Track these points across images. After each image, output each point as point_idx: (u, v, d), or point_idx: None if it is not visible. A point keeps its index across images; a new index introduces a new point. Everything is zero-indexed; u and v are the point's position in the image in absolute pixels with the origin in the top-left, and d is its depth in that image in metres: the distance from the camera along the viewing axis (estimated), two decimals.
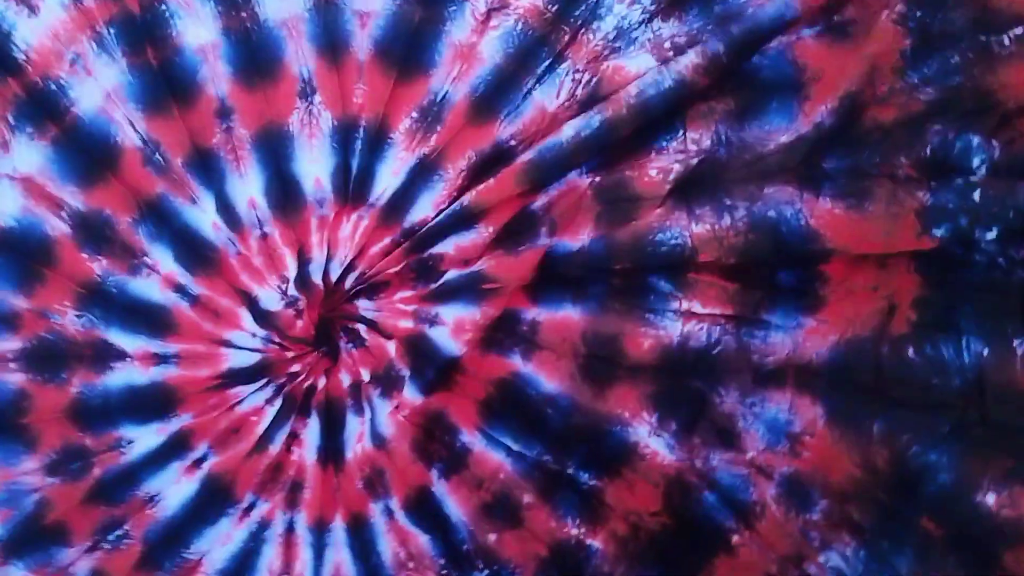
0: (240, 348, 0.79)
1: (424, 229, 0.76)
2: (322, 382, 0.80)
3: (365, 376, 0.79)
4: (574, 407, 0.75)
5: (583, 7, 0.73)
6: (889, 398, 0.68)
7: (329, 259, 0.79)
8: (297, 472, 0.80)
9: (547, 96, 0.74)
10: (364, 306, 0.79)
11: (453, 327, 0.76)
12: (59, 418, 0.78)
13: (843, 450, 0.68)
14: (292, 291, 0.78)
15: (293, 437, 0.79)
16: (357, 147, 0.78)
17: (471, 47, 0.75)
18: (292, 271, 0.79)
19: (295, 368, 0.79)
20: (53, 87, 0.76)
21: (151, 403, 0.81)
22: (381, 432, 0.77)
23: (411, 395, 0.79)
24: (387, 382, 0.80)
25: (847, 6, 0.66)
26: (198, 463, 0.79)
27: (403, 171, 0.76)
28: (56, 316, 0.79)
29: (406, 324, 0.78)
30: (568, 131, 0.72)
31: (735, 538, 0.71)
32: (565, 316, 0.75)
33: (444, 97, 0.76)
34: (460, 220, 0.76)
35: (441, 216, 0.76)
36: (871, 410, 0.66)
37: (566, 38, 0.74)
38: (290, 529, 0.80)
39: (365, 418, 0.80)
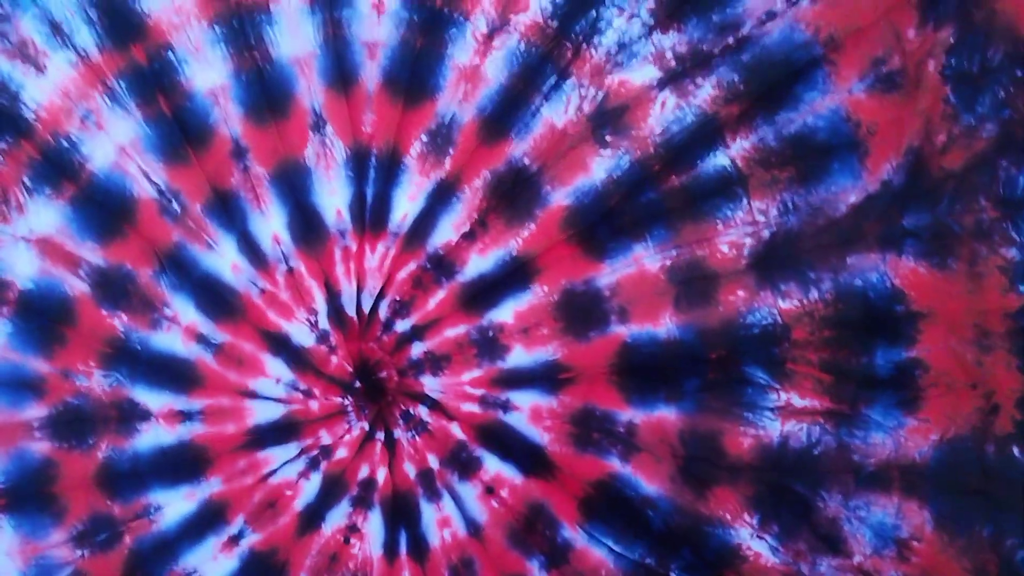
0: (265, 399, 0.90)
1: (475, 279, 0.87)
2: (382, 474, 0.90)
3: (433, 462, 0.90)
4: (675, 509, 0.84)
5: (583, 22, 0.84)
6: (996, 500, 0.72)
7: (360, 291, 0.90)
8: (359, 566, 0.89)
9: (555, 112, 0.86)
10: (429, 384, 0.90)
11: (530, 414, 0.88)
12: (87, 485, 0.88)
13: (953, 555, 0.74)
14: (323, 324, 0.91)
15: (352, 530, 0.90)
16: (371, 175, 0.89)
17: (475, 68, 0.87)
18: (320, 303, 0.91)
19: (324, 437, 0.90)
20: (65, 144, 0.87)
21: (180, 464, 0.89)
22: (473, 518, 0.89)
23: (509, 475, 0.88)
24: (462, 465, 0.89)
25: (893, 57, 0.75)
26: (235, 540, 0.89)
27: (420, 196, 0.89)
28: (81, 378, 0.89)
29: (471, 408, 0.89)
30: (599, 172, 0.84)
31: None
32: (661, 417, 0.84)
33: (452, 119, 0.89)
34: (512, 275, 0.87)
35: (492, 268, 0.87)
36: (979, 513, 0.73)
37: (569, 54, 0.85)
38: None
39: (443, 504, 0.89)
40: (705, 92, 0.81)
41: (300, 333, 0.91)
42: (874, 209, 0.77)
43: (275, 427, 0.90)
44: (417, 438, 0.90)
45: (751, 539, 0.81)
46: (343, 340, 0.91)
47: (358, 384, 0.91)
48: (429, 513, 0.89)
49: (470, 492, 0.89)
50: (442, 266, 0.89)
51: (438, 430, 0.90)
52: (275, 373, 0.90)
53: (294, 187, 0.89)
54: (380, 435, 0.91)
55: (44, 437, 0.88)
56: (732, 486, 0.81)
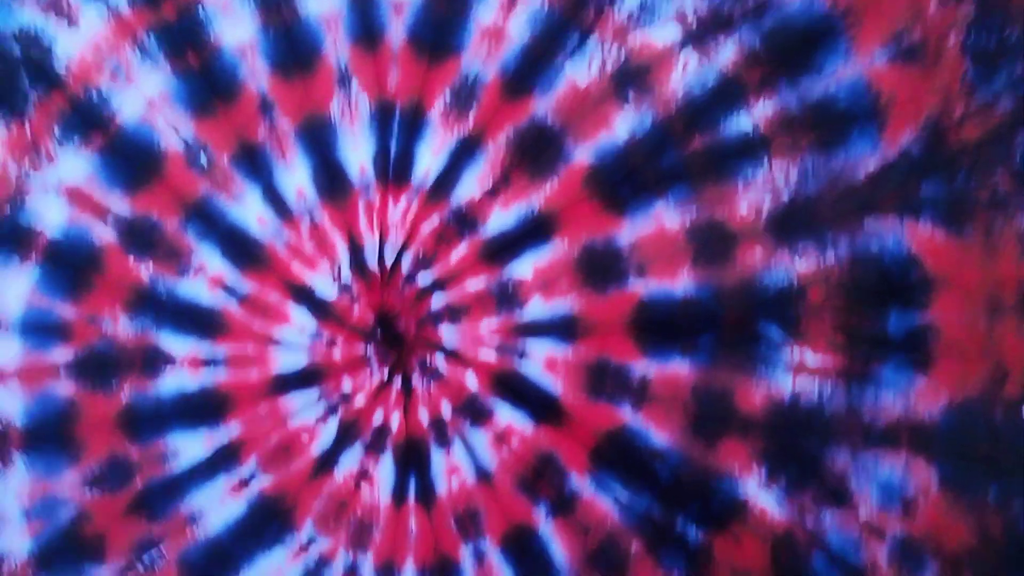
0: (288, 347, 0.92)
1: (497, 235, 0.89)
2: (396, 420, 0.92)
3: (446, 410, 0.92)
4: (683, 461, 0.86)
5: None
6: (1003, 464, 0.74)
7: (382, 243, 0.92)
8: (366, 512, 0.91)
9: (578, 71, 0.87)
10: (446, 332, 0.92)
11: (544, 363, 0.89)
12: (108, 428, 0.90)
13: (957, 516, 0.75)
14: (346, 276, 0.93)
15: (363, 475, 0.92)
16: (395, 130, 0.91)
17: (498, 28, 0.89)
18: (343, 256, 0.93)
19: (346, 384, 0.92)
20: (95, 97, 0.89)
21: (201, 409, 0.91)
22: (483, 465, 0.91)
23: (520, 424, 0.90)
24: (474, 413, 0.91)
25: (914, 29, 0.77)
26: (246, 482, 0.91)
27: (443, 151, 0.91)
28: (107, 322, 0.91)
29: (488, 356, 0.91)
30: (622, 131, 0.86)
31: None
32: (675, 370, 0.86)
33: (476, 78, 0.90)
34: (533, 230, 0.88)
35: (514, 223, 0.89)
36: (986, 476, 0.75)
37: (592, 14, 0.86)
38: (352, 570, 0.90)
39: (454, 452, 0.91)
40: (727, 54, 0.82)
41: (323, 284, 0.92)
42: (892, 178, 0.78)
43: (298, 375, 0.92)
44: (432, 385, 0.92)
45: (758, 492, 0.82)
46: (365, 291, 0.92)
47: (379, 334, 0.93)
48: (439, 460, 0.91)
49: (481, 440, 0.90)
50: (465, 221, 0.90)
51: (452, 379, 0.92)
52: (299, 322, 0.92)
53: (319, 141, 0.91)
54: (397, 381, 0.93)
55: (69, 379, 0.90)
56: (742, 440, 0.83)
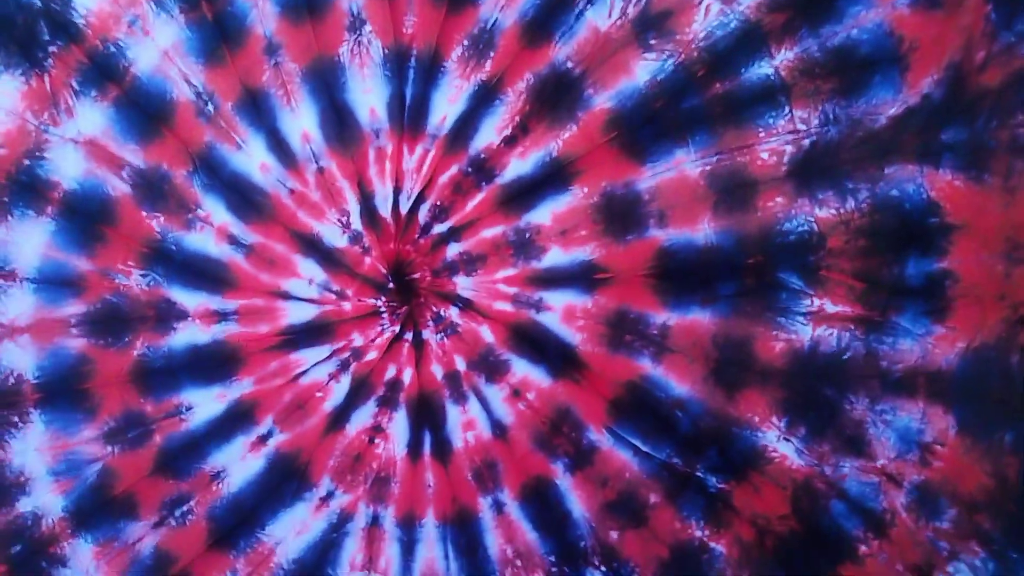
0: (298, 300, 0.91)
1: (514, 181, 0.88)
2: (408, 375, 0.92)
3: (460, 364, 0.91)
4: (704, 410, 0.86)
5: None
6: (1019, 407, 0.73)
7: (397, 193, 0.91)
8: (383, 467, 0.92)
9: (599, 16, 0.86)
10: (462, 283, 0.91)
11: (563, 314, 0.89)
12: (121, 383, 0.90)
13: (974, 460, 0.75)
14: (356, 225, 0.92)
15: (377, 430, 0.92)
16: (410, 76, 0.90)
17: None
18: (352, 204, 0.92)
19: (356, 339, 0.92)
20: (112, 49, 0.88)
21: (213, 364, 0.91)
22: (499, 420, 0.90)
23: (537, 378, 0.90)
24: (489, 368, 0.91)
25: None
26: (263, 439, 0.91)
27: (461, 98, 0.90)
28: (120, 276, 0.90)
29: (504, 307, 0.90)
30: (643, 76, 0.84)
31: (862, 548, 0.80)
32: (695, 320, 0.86)
33: (494, 24, 0.89)
34: (552, 176, 0.87)
35: (531, 170, 0.87)
36: (1002, 421, 0.74)
37: None
38: (375, 523, 0.91)
39: (469, 407, 0.91)
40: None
41: (332, 234, 0.92)
42: (913, 123, 0.78)
43: (308, 328, 0.92)
44: (446, 340, 0.92)
45: (777, 441, 0.82)
46: (377, 241, 0.92)
47: (392, 285, 0.92)
48: (454, 415, 0.91)
49: (496, 395, 0.90)
50: (483, 170, 0.89)
51: (467, 332, 0.92)
52: (307, 274, 0.91)
53: (327, 84, 0.89)
54: (408, 335, 0.93)
55: (81, 334, 0.89)
56: (762, 389, 0.83)
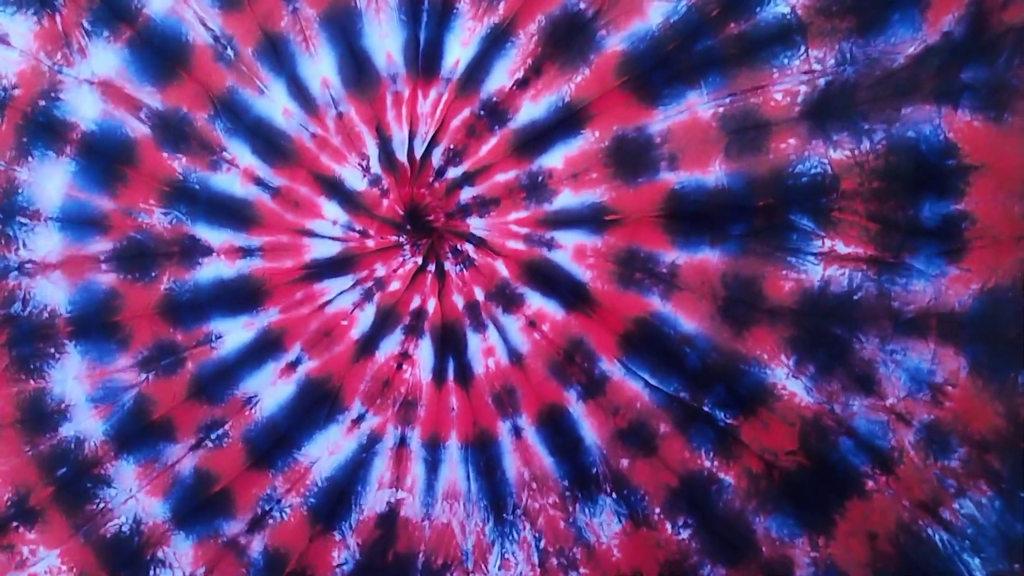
0: (322, 237, 0.94)
1: (527, 125, 0.88)
2: (432, 305, 0.94)
3: (479, 295, 0.94)
4: (712, 347, 0.87)
5: None
6: None
7: (412, 136, 0.92)
8: (410, 391, 0.94)
9: None
10: (475, 224, 0.93)
11: (573, 252, 0.90)
12: (150, 315, 0.92)
13: (986, 400, 0.75)
14: (375, 168, 0.94)
15: (404, 356, 0.94)
16: (424, 20, 0.89)
17: None
18: (371, 148, 0.93)
19: (379, 269, 0.94)
20: None
21: (239, 296, 0.93)
22: (516, 348, 0.93)
23: (551, 310, 0.91)
24: (505, 299, 0.93)
25: None
26: (293, 366, 0.94)
27: (473, 41, 0.89)
28: (143, 215, 0.92)
29: (516, 245, 0.92)
30: (656, 17, 0.83)
31: (869, 483, 0.81)
32: (704, 258, 0.86)
33: None
34: (564, 121, 0.87)
35: (544, 114, 0.88)
36: (1016, 362, 0.74)
37: None
38: (402, 444, 0.94)
39: (488, 335, 0.93)
40: None
41: (353, 177, 0.93)
42: (932, 61, 0.76)
43: (332, 262, 0.94)
44: (465, 272, 0.94)
45: (786, 379, 0.83)
46: (395, 184, 0.93)
47: (409, 226, 0.94)
48: (475, 342, 0.94)
49: (513, 324, 0.92)
50: (495, 113, 0.89)
51: (484, 266, 0.93)
52: (331, 215, 0.94)
53: (344, 30, 0.90)
54: (431, 267, 0.95)
55: (110, 269, 0.93)
56: (771, 327, 0.83)
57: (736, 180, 0.83)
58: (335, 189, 0.93)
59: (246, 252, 0.94)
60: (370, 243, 0.95)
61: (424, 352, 0.95)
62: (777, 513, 0.84)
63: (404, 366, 0.95)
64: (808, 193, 0.81)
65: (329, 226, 0.94)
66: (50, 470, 0.91)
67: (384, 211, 0.94)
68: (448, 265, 0.95)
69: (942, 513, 0.78)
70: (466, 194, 0.93)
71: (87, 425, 0.92)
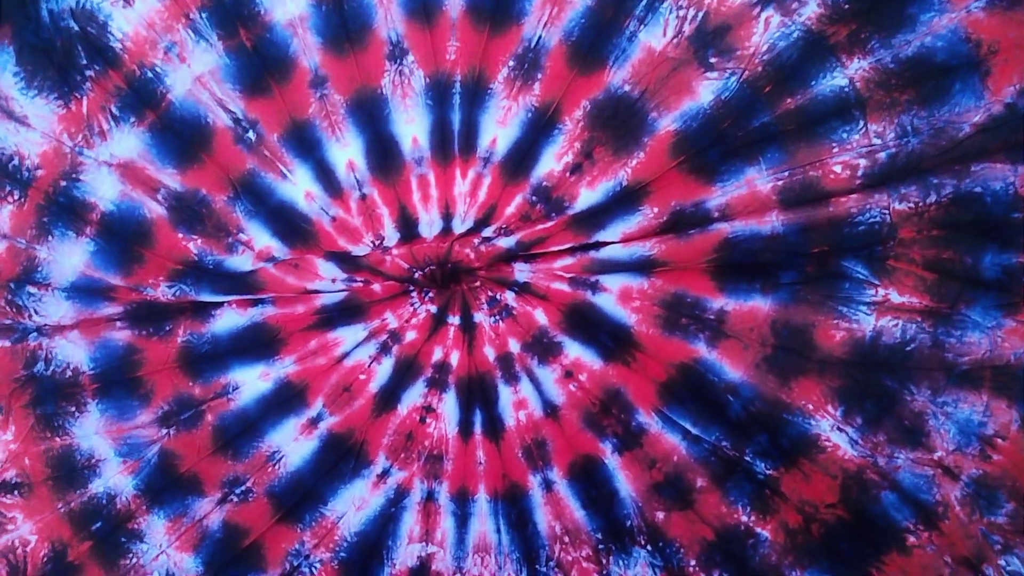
0: (325, 292, 0.93)
1: (585, 210, 0.87)
2: (456, 357, 0.93)
3: (514, 346, 0.92)
4: (756, 395, 0.85)
5: None
6: None
7: (449, 217, 0.91)
8: (435, 444, 0.93)
9: (653, 36, 0.84)
10: (519, 268, 0.92)
11: (619, 294, 0.88)
12: (171, 368, 0.92)
13: None
14: (389, 244, 0.93)
15: (428, 410, 0.93)
16: (456, 101, 0.88)
17: None
18: (388, 229, 0.92)
19: (390, 319, 0.93)
20: (149, 75, 0.88)
21: (255, 343, 0.92)
22: (551, 400, 0.91)
23: (589, 359, 0.90)
24: (542, 349, 0.91)
25: None
26: (315, 422, 0.93)
27: (512, 122, 0.88)
28: (148, 289, 0.91)
29: (561, 287, 0.90)
30: (706, 95, 0.82)
31: (911, 539, 0.80)
32: (754, 306, 0.84)
33: (538, 43, 0.87)
34: (621, 201, 0.86)
35: (602, 199, 0.86)
36: None
37: None
38: (430, 498, 0.93)
39: (521, 387, 0.92)
40: (809, 10, 0.78)
41: (359, 251, 0.92)
42: (1000, 130, 0.75)
43: (341, 306, 0.93)
44: (501, 323, 0.92)
45: (831, 431, 0.81)
46: (403, 247, 0.92)
47: (417, 275, 0.93)
48: (506, 395, 0.91)
49: (549, 376, 0.90)
50: (550, 200, 0.87)
51: (522, 315, 0.91)
52: (328, 274, 0.92)
53: (372, 116, 0.88)
54: (453, 319, 0.93)
55: (124, 327, 0.91)
56: (819, 377, 0.81)
57: (792, 229, 0.81)
58: (335, 255, 0.92)
59: (257, 301, 0.93)
60: (376, 287, 0.93)
61: (449, 405, 0.93)
62: (813, 567, 0.83)
63: (428, 419, 0.93)
64: (864, 241, 0.79)
65: (328, 284, 0.93)
66: (84, 525, 0.90)
67: (387, 267, 0.93)
68: (481, 316, 0.93)
69: (985, 570, 0.77)
70: (519, 269, 0.91)
71: (116, 480, 0.91)
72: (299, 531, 0.92)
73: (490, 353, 0.93)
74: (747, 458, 0.84)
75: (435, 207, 0.90)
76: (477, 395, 0.92)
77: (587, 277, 0.89)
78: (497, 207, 0.89)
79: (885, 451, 0.80)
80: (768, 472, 0.84)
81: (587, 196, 0.86)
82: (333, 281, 0.93)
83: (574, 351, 0.90)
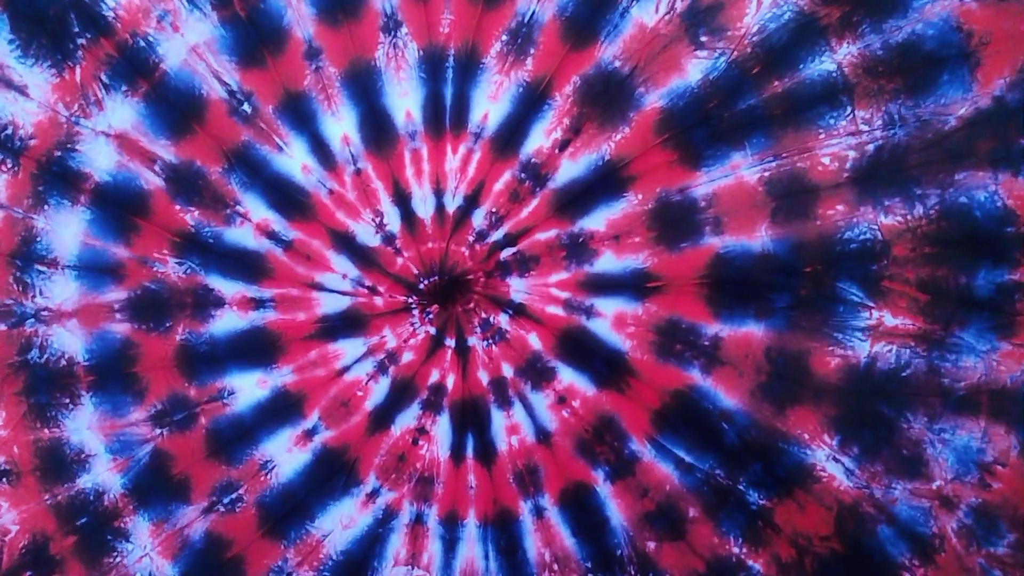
0: (331, 292, 0.92)
1: (567, 183, 0.87)
2: (452, 380, 0.92)
3: (507, 371, 0.92)
4: (752, 424, 0.84)
5: None
6: None
7: (440, 193, 0.91)
8: (426, 467, 0.92)
9: (645, 12, 0.85)
10: (515, 285, 0.91)
11: (613, 320, 0.88)
12: (167, 366, 0.92)
13: None
14: (391, 226, 0.92)
15: (421, 432, 0.93)
16: (448, 75, 0.89)
17: None
18: (386, 205, 0.92)
19: (389, 337, 0.92)
20: (142, 44, 0.89)
21: (253, 349, 0.92)
22: (543, 425, 0.90)
23: (582, 386, 0.89)
24: (536, 374, 0.91)
25: None
26: (309, 434, 0.92)
27: (504, 97, 0.89)
28: (158, 264, 0.92)
29: (555, 311, 0.90)
30: (695, 74, 0.83)
31: (905, 575, 0.79)
32: (748, 332, 0.84)
33: (532, 17, 0.88)
34: (604, 180, 0.86)
35: (583, 172, 0.86)
36: None
37: None
38: (418, 521, 0.92)
39: (514, 412, 0.91)
40: None
41: (365, 233, 0.92)
42: (987, 125, 0.75)
43: (343, 317, 0.92)
44: (494, 346, 0.92)
45: (827, 460, 0.81)
46: (412, 242, 0.92)
47: (422, 286, 0.93)
48: (499, 420, 0.91)
49: (542, 401, 0.90)
50: (536, 175, 0.88)
51: (516, 339, 0.92)
52: (341, 269, 0.92)
53: (366, 89, 0.90)
54: (450, 342, 0.93)
55: (124, 319, 0.91)
56: (815, 406, 0.81)
57: (782, 246, 0.82)
58: (347, 244, 0.92)
59: (258, 304, 0.93)
60: (378, 301, 0.94)
61: (442, 428, 0.93)
62: None
63: (420, 441, 0.93)
64: (857, 259, 0.80)
65: (339, 279, 0.93)
66: (70, 519, 0.90)
67: (398, 269, 0.93)
68: (474, 340, 0.93)
69: None
70: (505, 253, 0.91)
71: (105, 477, 0.91)
72: (283, 547, 0.91)
73: (483, 377, 0.93)
74: (740, 487, 0.85)
75: (427, 182, 0.91)
76: (470, 419, 0.92)
77: (582, 300, 0.89)
78: (485, 183, 0.90)
79: (882, 481, 0.80)
80: (761, 502, 0.84)
81: (568, 168, 0.87)
82: (343, 277, 0.92)
83: (568, 377, 0.90)
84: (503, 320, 0.92)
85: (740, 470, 0.83)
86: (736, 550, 0.84)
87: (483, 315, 0.92)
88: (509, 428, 0.91)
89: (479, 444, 0.91)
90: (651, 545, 0.86)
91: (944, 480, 0.77)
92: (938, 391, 0.77)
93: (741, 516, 0.84)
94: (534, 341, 0.91)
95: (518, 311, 0.91)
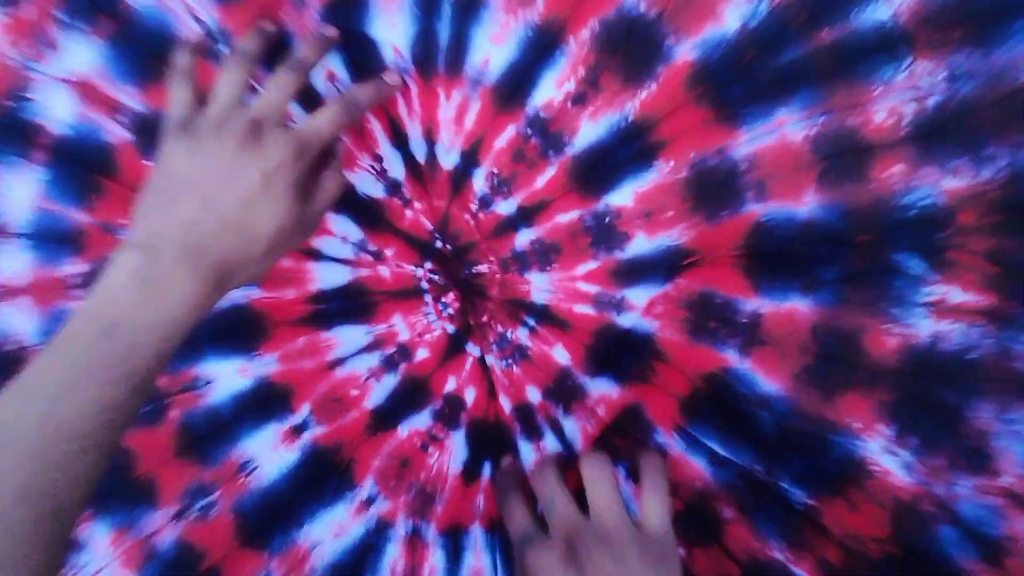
0: (329, 260, 0.81)
1: (586, 149, 0.75)
2: (471, 395, 0.82)
3: (533, 396, 0.81)
4: (793, 411, 0.74)
5: None
6: None
7: (432, 143, 0.79)
8: (431, 478, 0.82)
9: None
10: (536, 281, 0.79)
11: (644, 309, 0.78)
12: None
13: None
14: (393, 173, 0.81)
15: (432, 438, 0.83)
16: (445, 11, 0.76)
17: None
18: (385, 148, 0.81)
19: (400, 329, 0.81)
20: None
21: (234, 331, 0.81)
22: (571, 443, 0.79)
23: (607, 388, 0.78)
24: (566, 395, 0.80)
25: None
26: (298, 430, 0.82)
27: (509, 40, 0.76)
28: (122, 232, 0.81)
29: (585, 310, 0.79)
30: (732, 22, 0.71)
31: None
32: (792, 308, 0.73)
33: None
34: (629, 144, 0.74)
35: (604, 136, 0.74)
36: None
37: None
38: (415, 533, 0.82)
39: (545, 442, 0.80)
40: None
41: (366, 182, 0.82)
42: None
43: (341, 295, 0.83)
44: (515, 367, 0.82)
45: (882, 453, 0.72)
46: (419, 193, 0.82)
47: (439, 245, 0.83)
48: (527, 451, 0.81)
49: (574, 424, 0.81)
50: (548, 135, 0.77)
51: (539, 357, 0.82)
52: (341, 231, 0.83)
53: (349, 20, 0.78)
54: (473, 349, 0.83)
55: (81, 296, 0.82)
56: (867, 391, 0.73)
57: (832, 212, 0.73)
58: (345, 198, 0.80)
59: None
60: (384, 272, 0.83)
61: (457, 443, 0.84)
62: None
63: (431, 449, 0.84)
64: (917, 228, 0.70)
65: (338, 244, 0.83)
66: None
67: (407, 225, 0.83)
68: (491, 359, 0.83)
69: None
70: (523, 238, 0.81)
71: None
72: (266, 557, 0.82)
73: (506, 404, 0.83)
74: (782, 484, 0.76)
75: (418, 125, 0.80)
76: (492, 446, 0.83)
77: (612, 294, 0.79)
78: (484, 138, 0.79)
79: (944, 478, 0.72)
80: (806, 501, 0.75)
81: (588, 131, 0.77)
82: (344, 240, 0.82)
83: (598, 388, 0.81)
84: (522, 335, 0.82)
85: (781, 465, 0.75)
86: (778, 555, 0.75)
87: (499, 329, 0.83)
88: (538, 455, 0.81)
89: (496, 469, 0.82)
90: (681, 552, 0.77)
91: (1014, 477, 0.69)
92: (1010, 376, 0.68)
93: (783, 516, 0.75)
94: (560, 356, 0.81)
95: (542, 316, 0.81)
